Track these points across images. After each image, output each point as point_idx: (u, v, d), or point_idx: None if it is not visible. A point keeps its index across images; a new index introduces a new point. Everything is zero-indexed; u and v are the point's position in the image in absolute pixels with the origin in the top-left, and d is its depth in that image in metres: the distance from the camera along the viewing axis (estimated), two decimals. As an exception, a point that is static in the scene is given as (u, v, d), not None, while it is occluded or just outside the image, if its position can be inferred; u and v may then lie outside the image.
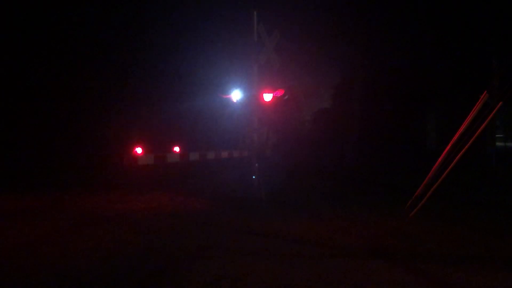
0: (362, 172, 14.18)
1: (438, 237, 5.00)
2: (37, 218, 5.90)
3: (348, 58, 21.71)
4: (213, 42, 18.69)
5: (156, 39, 17.85)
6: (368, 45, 20.40)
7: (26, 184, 9.86)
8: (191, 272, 3.64)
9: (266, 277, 3.51)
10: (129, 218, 5.99)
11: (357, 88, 22.74)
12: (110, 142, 14.09)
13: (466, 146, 4.78)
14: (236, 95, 10.97)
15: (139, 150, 12.31)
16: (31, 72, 14.39)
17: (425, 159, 7.94)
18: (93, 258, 4.05)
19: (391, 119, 21.75)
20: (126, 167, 13.00)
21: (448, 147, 5.39)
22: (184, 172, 13.12)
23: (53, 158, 13.07)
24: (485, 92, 5.27)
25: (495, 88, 8.00)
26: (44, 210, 6.60)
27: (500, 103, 4.93)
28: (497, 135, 14.28)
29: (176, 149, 8.00)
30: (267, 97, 8.47)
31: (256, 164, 7.26)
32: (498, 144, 16.98)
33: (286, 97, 12.87)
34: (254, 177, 7.90)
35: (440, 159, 5.48)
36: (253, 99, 7.68)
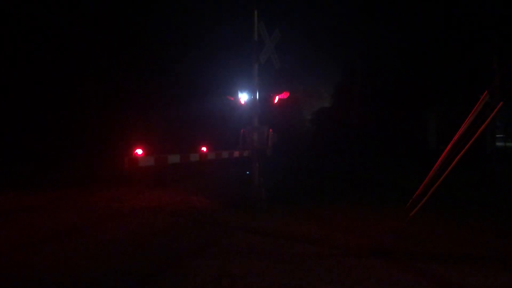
0: (362, 172, 14.18)
1: (438, 237, 5.01)
2: (37, 218, 5.91)
3: (348, 58, 21.74)
4: (218, 43, 18.80)
5: (156, 40, 17.95)
6: (368, 45, 20.43)
7: (26, 184, 9.84)
8: (192, 270, 3.65)
9: (266, 275, 3.51)
10: (130, 217, 5.99)
11: (357, 88, 22.76)
12: (115, 141, 14.19)
13: (467, 146, 4.77)
14: (243, 97, 10.98)
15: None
16: (31, 72, 14.40)
17: (425, 159, 7.93)
18: (93, 257, 4.06)
19: (391, 119, 21.76)
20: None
21: (448, 147, 5.38)
22: (204, 170, 13.22)
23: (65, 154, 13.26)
24: (486, 92, 5.26)
25: (496, 88, 7.99)
26: (44, 210, 6.60)
27: (501, 103, 4.91)
28: (497, 135, 14.25)
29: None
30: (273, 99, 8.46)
31: (257, 164, 7.25)
32: (498, 144, 16.97)
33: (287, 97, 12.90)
34: (248, 172, 7.97)
35: (440, 159, 5.47)
36: (254, 99, 7.65)
